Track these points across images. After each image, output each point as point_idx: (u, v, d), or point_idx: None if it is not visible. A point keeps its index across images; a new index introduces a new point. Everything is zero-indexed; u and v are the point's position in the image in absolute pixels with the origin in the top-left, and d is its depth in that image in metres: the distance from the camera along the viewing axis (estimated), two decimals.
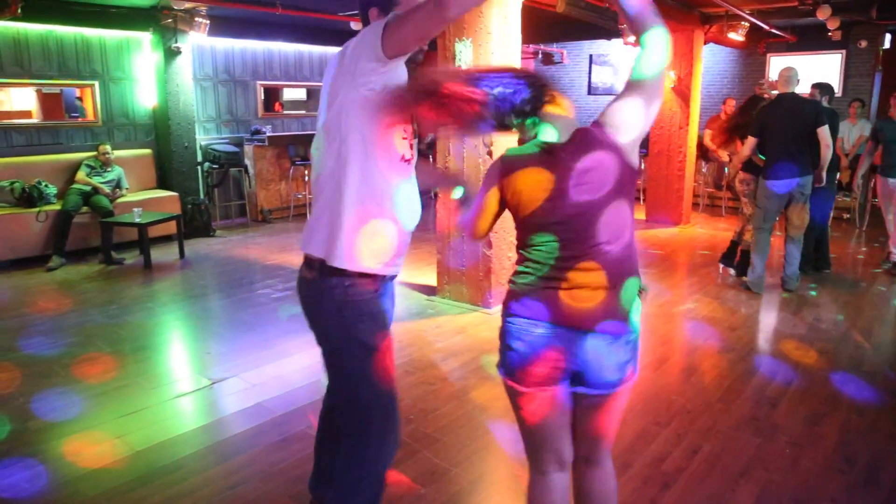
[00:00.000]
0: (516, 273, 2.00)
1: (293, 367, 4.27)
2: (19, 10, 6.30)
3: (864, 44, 9.50)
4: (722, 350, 4.58)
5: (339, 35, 10.15)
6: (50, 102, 9.32)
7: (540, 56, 11.94)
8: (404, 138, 2.11)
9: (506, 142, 4.74)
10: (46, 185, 7.18)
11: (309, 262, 2.15)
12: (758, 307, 5.52)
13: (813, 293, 5.86)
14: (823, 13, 7.58)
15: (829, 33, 8.83)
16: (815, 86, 6.27)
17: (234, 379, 4.09)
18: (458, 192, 2.42)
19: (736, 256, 6.33)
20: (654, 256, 7.25)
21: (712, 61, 10.67)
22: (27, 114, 9.72)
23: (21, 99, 10.10)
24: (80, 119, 8.36)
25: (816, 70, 9.85)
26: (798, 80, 5.70)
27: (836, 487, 2.93)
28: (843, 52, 9.70)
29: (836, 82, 9.77)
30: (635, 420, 3.52)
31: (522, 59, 6.96)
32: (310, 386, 3.96)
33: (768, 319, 5.27)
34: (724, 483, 2.96)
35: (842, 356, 4.45)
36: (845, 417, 3.59)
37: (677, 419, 3.55)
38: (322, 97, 2.15)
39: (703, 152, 9.54)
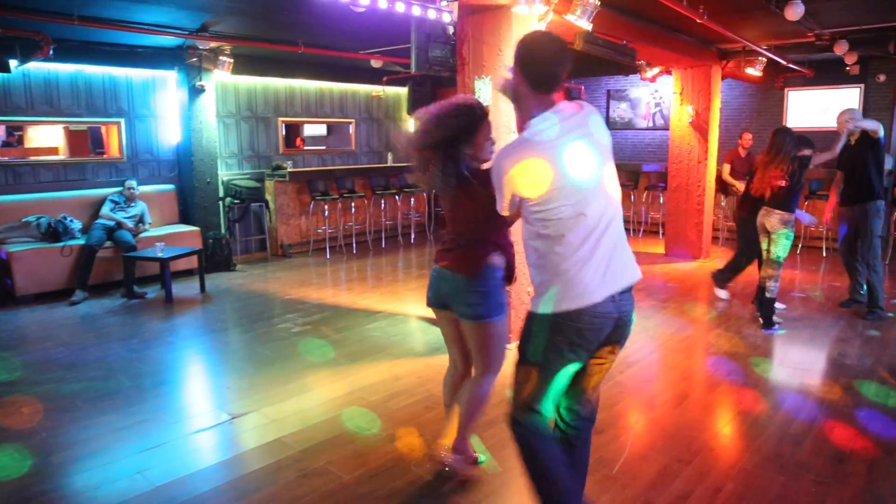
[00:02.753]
0: None
1: (313, 402, 4.28)
2: (51, 52, 6.52)
3: (882, 78, 9.50)
4: (744, 386, 4.52)
5: (358, 72, 10.35)
6: (77, 139, 9.55)
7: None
8: None
9: None
10: (71, 220, 7.32)
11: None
12: (780, 342, 5.45)
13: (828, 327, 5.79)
14: (841, 48, 7.60)
15: (847, 68, 8.86)
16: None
17: (253, 414, 4.10)
18: None
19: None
20: (673, 290, 7.21)
21: (730, 96, 10.72)
22: (54, 150, 9.94)
23: (49, 136, 10.35)
24: (104, 155, 8.53)
25: (835, 104, 9.84)
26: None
27: None
28: (862, 86, 9.69)
29: None
30: (657, 457, 3.48)
31: None
32: (329, 422, 3.96)
33: (791, 355, 5.20)
34: None
35: (867, 392, 4.37)
36: (873, 456, 3.52)
37: (699, 456, 3.50)
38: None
39: (722, 186, 9.51)
